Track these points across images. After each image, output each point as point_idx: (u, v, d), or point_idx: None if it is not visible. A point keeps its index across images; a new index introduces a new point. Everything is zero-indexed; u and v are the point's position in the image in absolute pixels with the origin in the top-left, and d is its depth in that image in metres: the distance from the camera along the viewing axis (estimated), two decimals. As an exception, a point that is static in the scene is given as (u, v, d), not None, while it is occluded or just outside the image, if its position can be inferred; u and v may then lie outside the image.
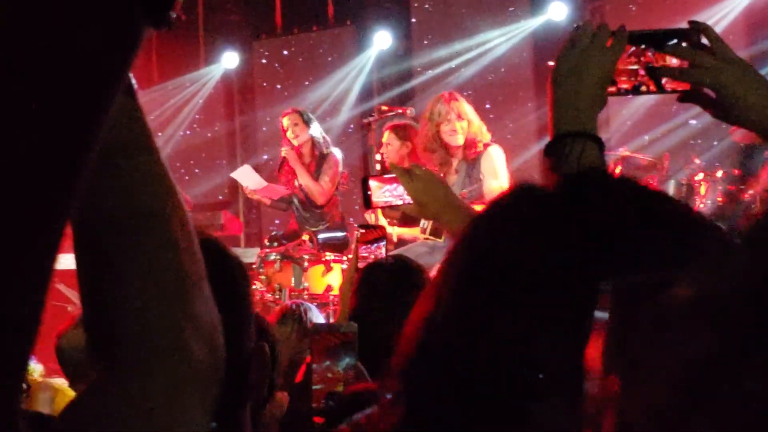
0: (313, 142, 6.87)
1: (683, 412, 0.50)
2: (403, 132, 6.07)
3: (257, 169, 7.40)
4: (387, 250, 2.83)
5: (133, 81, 0.79)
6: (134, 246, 0.77)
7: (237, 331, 1.32)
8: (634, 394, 0.52)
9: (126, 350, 0.75)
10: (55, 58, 0.57)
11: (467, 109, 5.53)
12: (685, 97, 1.51)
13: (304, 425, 1.81)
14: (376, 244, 2.76)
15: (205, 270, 0.82)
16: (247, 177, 7.05)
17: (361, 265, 2.69)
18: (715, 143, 7.52)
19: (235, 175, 7.28)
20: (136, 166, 0.78)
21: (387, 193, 2.41)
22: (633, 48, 1.49)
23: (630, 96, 1.55)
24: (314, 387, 1.76)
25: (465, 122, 5.49)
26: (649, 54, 1.50)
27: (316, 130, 6.91)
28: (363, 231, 2.81)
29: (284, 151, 6.86)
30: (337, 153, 6.93)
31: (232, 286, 1.32)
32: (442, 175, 5.57)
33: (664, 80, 1.50)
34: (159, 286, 0.77)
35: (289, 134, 6.85)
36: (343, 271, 5.90)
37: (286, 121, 6.88)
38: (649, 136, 7.67)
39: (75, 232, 0.75)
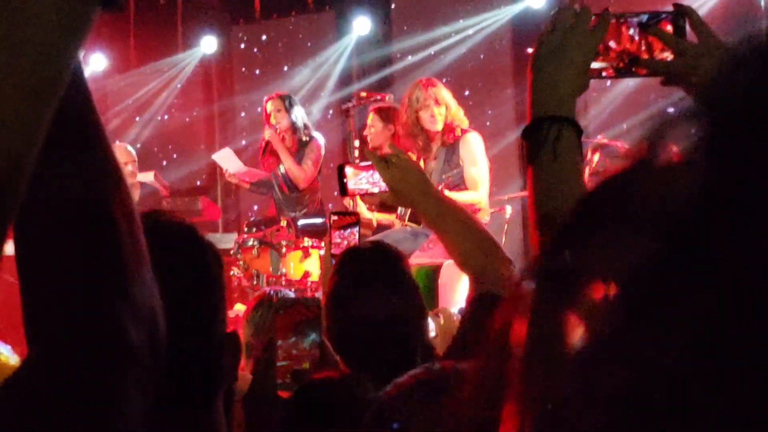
0: (294, 128, 6.85)
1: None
2: (386, 114, 6.07)
3: (236, 153, 7.37)
4: (361, 236, 2.83)
5: (81, 61, 0.77)
6: (73, 231, 0.76)
7: (209, 318, 1.31)
8: (559, 382, 0.49)
9: (62, 334, 0.74)
10: (6, 39, 0.56)
11: (445, 94, 5.54)
12: (668, 81, 1.50)
13: (267, 400, 1.81)
14: (349, 230, 2.77)
15: (149, 254, 0.81)
16: (227, 160, 7.03)
17: (334, 251, 2.70)
18: (693, 131, 7.54)
19: (215, 157, 7.25)
20: (80, 148, 0.77)
21: (363, 180, 2.41)
22: (616, 31, 1.48)
23: (612, 79, 1.54)
24: (279, 363, 1.76)
25: (443, 107, 5.51)
26: (633, 37, 1.49)
27: (298, 115, 6.89)
28: (336, 217, 2.81)
29: (267, 133, 6.85)
30: (320, 138, 6.92)
31: (204, 273, 1.31)
32: (422, 160, 5.58)
33: None
34: (97, 271, 0.76)
35: (272, 119, 6.84)
36: (320, 257, 5.90)
37: (269, 106, 6.87)
38: (627, 124, 7.69)
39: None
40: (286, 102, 6.88)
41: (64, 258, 0.76)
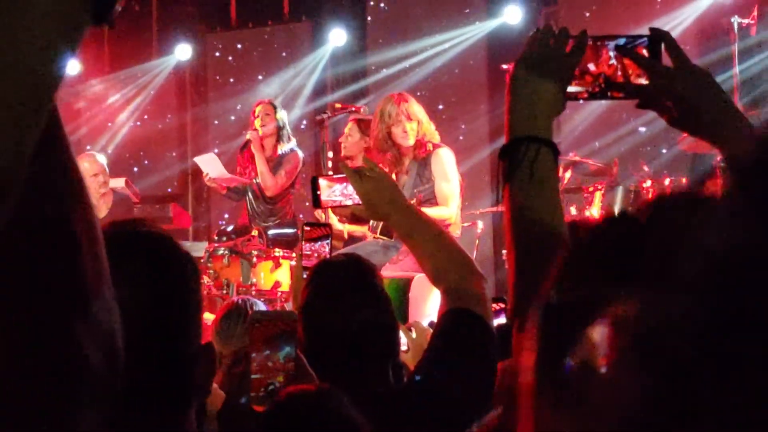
0: (279, 134, 6.87)
1: None
2: (365, 126, 6.09)
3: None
4: (332, 249, 2.83)
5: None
6: (31, 248, 0.74)
7: (184, 330, 1.30)
8: (563, 420, 0.49)
9: (16, 353, 0.72)
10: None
11: (416, 109, 5.57)
12: (642, 104, 1.52)
13: (242, 415, 1.80)
14: (320, 242, 2.76)
15: (109, 271, 0.79)
16: (209, 164, 6.99)
17: (305, 263, 2.69)
18: (664, 151, 7.63)
19: (197, 159, 7.20)
20: (44, 163, 0.74)
21: (336, 192, 2.41)
22: (593, 53, 1.49)
23: (587, 101, 1.55)
24: (253, 376, 1.74)
25: (415, 123, 5.54)
26: (610, 60, 1.50)
27: (285, 123, 6.92)
28: (308, 228, 2.81)
29: (249, 133, 6.86)
30: (300, 153, 6.94)
31: (180, 284, 1.30)
32: (394, 174, 5.59)
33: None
34: (56, 289, 0.74)
35: (257, 122, 6.85)
36: (291, 267, 5.88)
37: (259, 109, 6.91)
38: (599, 142, 7.75)
39: None
40: (277, 109, 6.92)
41: (21, 275, 0.73)
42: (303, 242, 2.77)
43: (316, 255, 2.74)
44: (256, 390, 1.73)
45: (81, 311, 0.75)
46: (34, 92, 0.60)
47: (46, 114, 0.61)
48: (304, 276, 2.60)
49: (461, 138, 8.19)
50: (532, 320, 0.55)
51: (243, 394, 1.75)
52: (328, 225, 3.00)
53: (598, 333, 0.46)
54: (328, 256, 2.72)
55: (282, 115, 6.95)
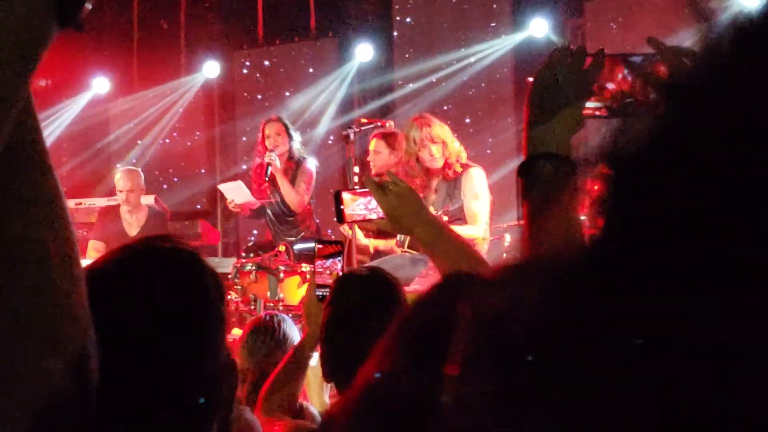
0: (291, 153, 6.87)
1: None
2: (393, 140, 6.07)
3: (238, 178, 7.36)
4: (358, 262, 2.83)
5: (31, 95, 0.72)
6: (4, 268, 0.72)
7: (206, 346, 1.30)
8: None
9: None
10: None
11: (439, 131, 5.55)
12: None
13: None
14: (331, 260, 2.76)
15: (85, 293, 0.77)
16: (235, 192, 6.99)
17: (317, 280, 2.69)
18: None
19: (222, 188, 7.21)
20: (25, 186, 0.73)
21: (361, 206, 2.41)
22: (610, 71, 1.49)
23: (608, 119, 1.55)
24: None
25: (440, 145, 5.53)
26: (627, 77, 1.50)
27: (297, 141, 6.93)
28: (320, 246, 2.81)
29: (269, 157, 6.80)
30: (311, 160, 6.94)
31: (203, 300, 1.30)
32: (421, 195, 5.57)
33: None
34: (27, 313, 0.72)
35: (268, 143, 6.83)
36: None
37: (268, 129, 6.87)
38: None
39: None
40: (288, 127, 6.91)
41: None
42: (315, 259, 2.78)
43: (328, 272, 2.74)
44: None
45: (50, 331, 0.73)
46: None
47: (6, 126, 0.61)
48: (317, 293, 2.61)
49: (488, 152, 8.18)
50: None
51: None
52: (339, 242, 3.00)
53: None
54: (340, 273, 2.72)
55: (296, 134, 6.94)
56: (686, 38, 1.54)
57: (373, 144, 6.13)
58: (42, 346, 0.72)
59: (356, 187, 5.50)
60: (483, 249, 5.40)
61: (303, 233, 6.92)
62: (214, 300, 1.32)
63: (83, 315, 0.77)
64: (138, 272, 1.27)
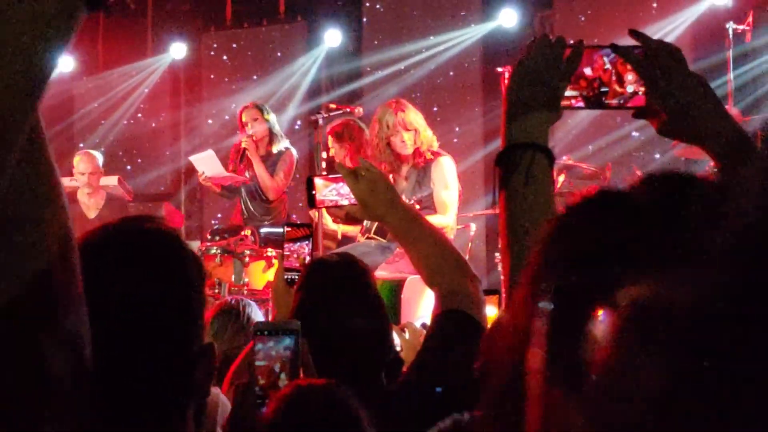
0: (271, 135, 6.86)
1: None
2: (340, 135, 6.15)
3: (203, 161, 7.31)
4: (325, 248, 2.83)
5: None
6: (2, 251, 0.71)
7: (185, 330, 1.29)
8: (578, 408, 0.48)
9: None
10: None
11: (413, 117, 5.59)
12: (638, 114, 1.53)
13: (248, 427, 1.79)
14: (299, 243, 2.76)
15: (80, 276, 0.76)
16: (206, 162, 6.94)
17: (285, 264, 2.69)
18: (657, 156, 7.64)
19: (193, 158, 7.14)
20: (19, 162, 0.71)
21: (333, 192, 2.40)
22: (588, 61, 1.51)
23: (583, 109, 1.56)
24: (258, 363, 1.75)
25: (413, 132, 5.56)
26: (604, 65, 1.51)
27: (274, 124, 6.91)
28: (289, 229, 2.81)
29: (244, 141, 6.82)
30: (294, 151, 6.94)
31: (183, 283, 1.29)
32: (392, 178, 5.60)
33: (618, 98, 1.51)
34: (22, 294, 0.71)
35: (248, 128, 6.83)
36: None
37: (245, 116, 6.87)
38: (592, 146, 7.75)
39: None
40: (263, 110, 6.90)
41: None
42: (283, 243, 2.78)
43: (295, 255, 2.74)
44: (264, 376, 1.73)
45: (47, 319, 0.72)
46: (21, 88, 0.59)
47: (35, 111, 0.60)
48: (286, 277, 2.61)
49: (455, 140, 8.19)
50: (532, 302, 0.54)
51: (248, 405, 1.75)
52: (308, 225, 2.99)
53: (613, 317, 0.45)
54: (307, 257, 2.72)
55: (271, 116, 6.93)
56: (653, 32, 1.56)
57: (329, 141, 6.21)
58: (38, 329, 0.72)
59: (324, 172, 5.50)
60: (450, 237, 5.43)
61: (273, 219, 6.90)
62: (194, 281, 1.31)
63: (79, 302, 0.76)
64: (121, 252, 1.26)
